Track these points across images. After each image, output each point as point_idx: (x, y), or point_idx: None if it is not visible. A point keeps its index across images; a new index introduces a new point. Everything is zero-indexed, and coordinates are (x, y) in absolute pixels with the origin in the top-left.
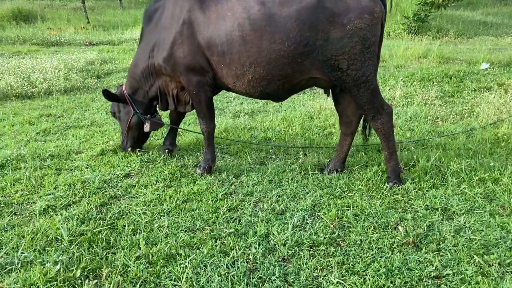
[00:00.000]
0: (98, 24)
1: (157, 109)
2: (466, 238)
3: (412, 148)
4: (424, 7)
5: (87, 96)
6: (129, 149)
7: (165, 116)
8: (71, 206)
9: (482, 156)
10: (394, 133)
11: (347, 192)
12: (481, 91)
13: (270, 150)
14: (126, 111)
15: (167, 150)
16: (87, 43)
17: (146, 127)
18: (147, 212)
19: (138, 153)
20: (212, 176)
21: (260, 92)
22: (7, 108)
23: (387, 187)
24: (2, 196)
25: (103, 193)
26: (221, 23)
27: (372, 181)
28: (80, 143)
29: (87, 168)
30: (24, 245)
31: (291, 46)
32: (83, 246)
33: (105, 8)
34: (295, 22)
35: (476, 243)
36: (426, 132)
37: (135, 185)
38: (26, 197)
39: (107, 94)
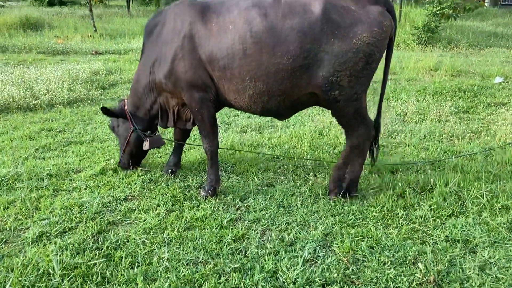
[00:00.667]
0: (105, 33)
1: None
2: (492, 277)
3: (429, 170)
4: (434, 17)
5: (90, 109)
6: (127, 166)
7: (168, 132)
8: (67, 233)
9: (504, 180)
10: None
11: (360, 220)
12: (497, 106)
13: (278, 170)
14: (125, 127)
15: (170, 171)
16: (93, 52)
17: (146, 145)
18: (146, 241)
19: (140, 173)
20: (217, 200)
21: (261, 108)
22: (7, 121)
23: (401, 215)
24: None
25: (100, 218)
26: (222, 36)
27: (387, 207)
28: (80, 160)
29: (85, 189)
30: (12, 280)
31: (290, 59)
32: (76, 281)
33: (113, 16)
34: (297, 34)
35: (503, 283)
36: (442, 151)
37: (135, 209)
38: (19, 222)
39: (105, 111)
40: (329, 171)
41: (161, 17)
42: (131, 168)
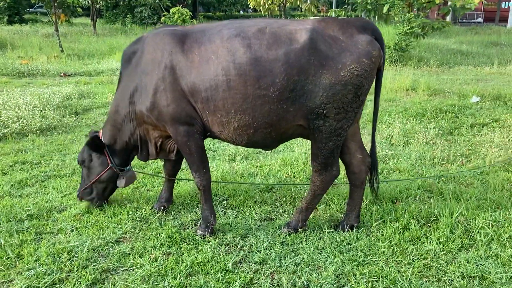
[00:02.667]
0: (72, 53)
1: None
2: None
3: (431, 200)
4: (404, 36)
5: (65, 137)
6: (93, 202)
7: (149, 164)
8: (57, 286)
9: (504, 207)
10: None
11: (370, 257)
12: (480, 127)
13: (276, 203)
14: (100, 161)
15: (162, 207)
16: (62, 74)
17: (121, 183)
18: None
19: (129, 211)
20: (217, 240)
21: (247, 141)
22: None
23: (411, 250)
24: None
25: (93, 266)
26: (204, 67)
27: (394, 241)
28: (62, 197)
29: (72, 231)
30: None
31: (276, 92)
32: None
33: (79, 35)
34: (283, 66)
35: None
36: (436, 177)
37: (129, 253)
38: (1, 273)
39: (95, 144)
40: (329, 201)
41: (140, 45)
42: (95, 204)
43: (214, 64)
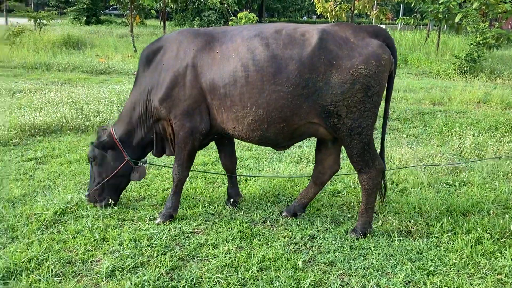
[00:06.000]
0: None
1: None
2: None
3: (506, 215)
4: (477, 47)
5: None
6: (104, 202)
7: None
8: (139, 269)
9: None
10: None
11: (441, 267)
12: None
13: (343, 207)
14: (114, 157)
15: (232, 201)
16: (135, 73)
17: (135, 176)
18: (221, 281)
19: (202, 204)
20: (286, 239)
21: (260, 136)
22: (62, 143)
23: (483, 263)
24: (65, 251)
25: (171, 253)
26: (225, 64)
27: (466, 254)
28: (140, 187)
29: (150, 220)
30: None
31: (290, 88)
32: None
33: (150, 36)
34: (296, 64)
35: None
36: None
37: (204, 244)
38: (90, 253)
39: (102, 146)
40: (399, 209)
41: (161, 43)
42: (105, 204)
43: (234, 60)
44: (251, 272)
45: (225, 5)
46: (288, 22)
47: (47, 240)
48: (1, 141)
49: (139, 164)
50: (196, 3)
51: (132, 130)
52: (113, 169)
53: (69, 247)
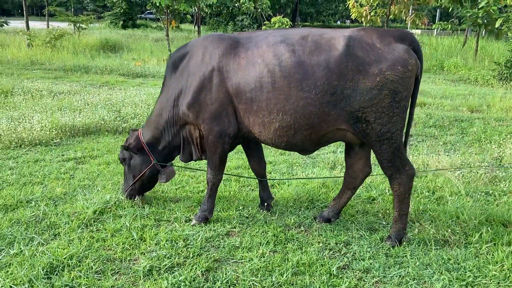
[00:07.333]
0: None
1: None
2: None
3: None
4: None
5: None
6: (133, 197)
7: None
8: (175, 269)
9: None
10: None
11: (479, 278)
12: None
13: (379, 215)
14: (142, 159)
15: (266, 205)
16: None
17: (163, 178)
18: (256, 284)
19: (237, 207)
20: (320, 244)
21: (286, 142)
22: (100, 144)
23: None
24: (104, 249)
25: (207, 255)
26: (251, 69)
27: (507, 266)
28: (176, 189)
29: (186, 221)
30: None
31: (318, 95)
32: None
33: (184, 40)
34: (324, 70)
35: None
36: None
37: (238, 247)
38: (128, 252)
39: (130, 148)
40: (435, 218)
41: (187, 49)
42: (136, 198)
43: (260, 66)
44: (286, 277)
45: (258, 10)
46: (320, 27)
47: (87, 238)
48: (43, 141)
49: (168, 165)
50: (230, 8)
51: (159, 135)
52: (141, 171)
53: (108, 246)
